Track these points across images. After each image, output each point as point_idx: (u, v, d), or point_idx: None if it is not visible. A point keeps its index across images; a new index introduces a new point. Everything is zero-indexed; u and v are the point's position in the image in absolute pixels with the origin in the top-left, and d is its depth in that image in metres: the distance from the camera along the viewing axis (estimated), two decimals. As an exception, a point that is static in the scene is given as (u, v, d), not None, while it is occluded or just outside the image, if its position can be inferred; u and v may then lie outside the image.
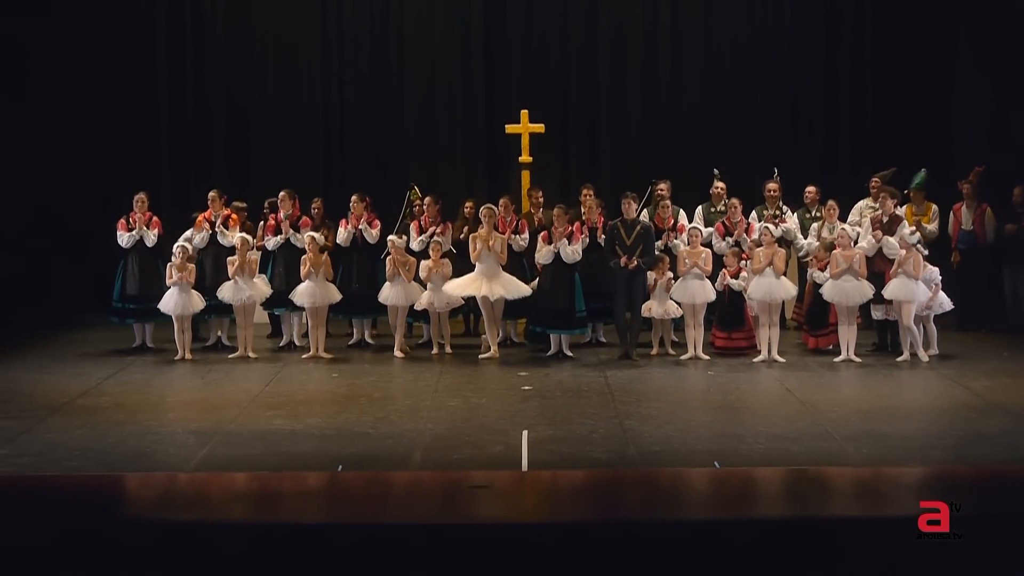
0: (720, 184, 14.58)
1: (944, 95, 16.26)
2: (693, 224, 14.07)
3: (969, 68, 15.97)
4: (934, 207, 14.59)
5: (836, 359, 13.19)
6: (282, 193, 14.38)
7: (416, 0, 17.15)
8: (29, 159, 15.23)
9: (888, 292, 13.12)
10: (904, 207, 14.26)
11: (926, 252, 13.35)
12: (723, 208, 14.32)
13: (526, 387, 12.20)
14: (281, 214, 14.28)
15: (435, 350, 13.85)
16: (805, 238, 14.28)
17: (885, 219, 13.67)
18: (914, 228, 13.63)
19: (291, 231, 14.13)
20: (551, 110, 16.19)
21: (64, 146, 15.84)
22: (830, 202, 14.16)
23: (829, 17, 16.90)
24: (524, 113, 15.18)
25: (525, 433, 10.19)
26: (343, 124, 17.22)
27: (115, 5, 16.57)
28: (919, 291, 13.03)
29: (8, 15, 15.05)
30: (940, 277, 13.42)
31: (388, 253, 13.78)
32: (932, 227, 14.37)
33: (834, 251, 13.25)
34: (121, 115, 16.61)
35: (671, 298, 13.48)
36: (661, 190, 14.43)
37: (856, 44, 16.75)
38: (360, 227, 14.14)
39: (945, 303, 13.40)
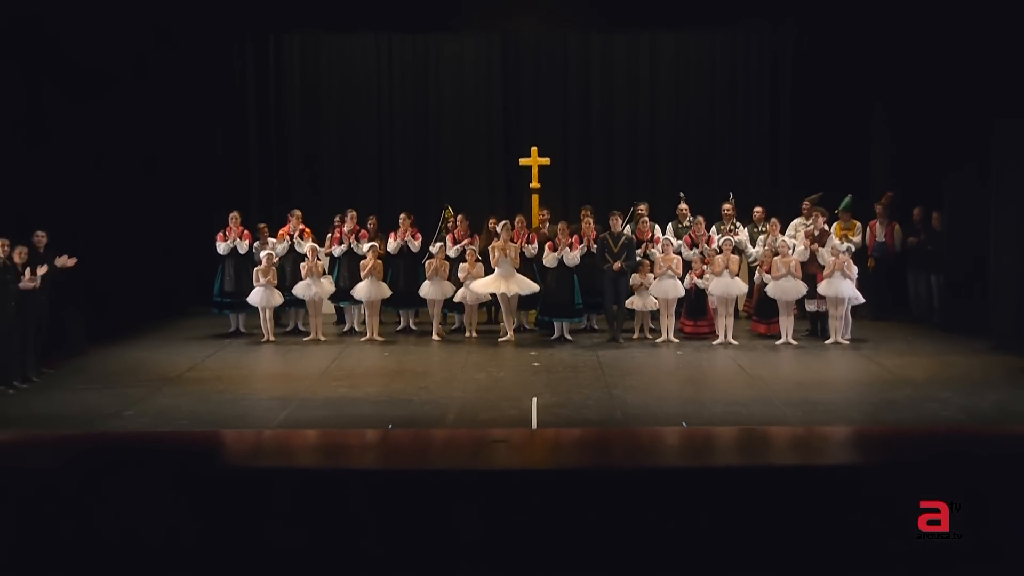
0: (684, 205, 14.56)
1: (863, 140, 16.20)
2: (666, 236, 14.05)
3: (881, 120, 15.95)
4: (858, 224, 14.58)
5: (778, 342, 13.16)
6: (351, 212, 14.42)
7: (450, 62, 17.13)
8: (152, 188, 15.28)
9: (822, 289, 13.15)
10: (835, 224, 14.27)
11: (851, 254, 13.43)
12: (688, 224, 14.30)
13: (536, 364, 12.19)
14: (345, 228, 14.31)
15: (468, 333, 13.83)
16: (754, 247, 14.26)
17: (816, 232, 13.71)
18: (843, 240, 13.68)
19: (353, 241, 14.19)
20: (555, 148, 16.13)
21: (179, 177, 15.89)
22: (772, 220, 14.15)
23: (773, 81, 16.82)
24: (534, 150, 15.17)
25: (535, 399, 10.22)
26: (392, 158, 17.19)
27: (217, 77, 16.65)
28: (846, 288, 13.05)
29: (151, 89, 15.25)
30: (857, 276, 13.41)
31: (430, 256, 13.79)
32: (856, 239, 14.35)
33: (776, 257, 13.26)
34: (222, 154, 16.72)
35: (649, 294, 13.49)
36: (641, 210, 14.37)
37: (795, 102, 16.65)
38: (406, 239, 14.18)
39: (858, 297, 13.36)
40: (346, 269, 14.20)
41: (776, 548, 6.93)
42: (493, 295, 13.80)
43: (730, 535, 6.97)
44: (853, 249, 13.60)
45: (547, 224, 14.36)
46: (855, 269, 13.27)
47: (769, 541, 6.94)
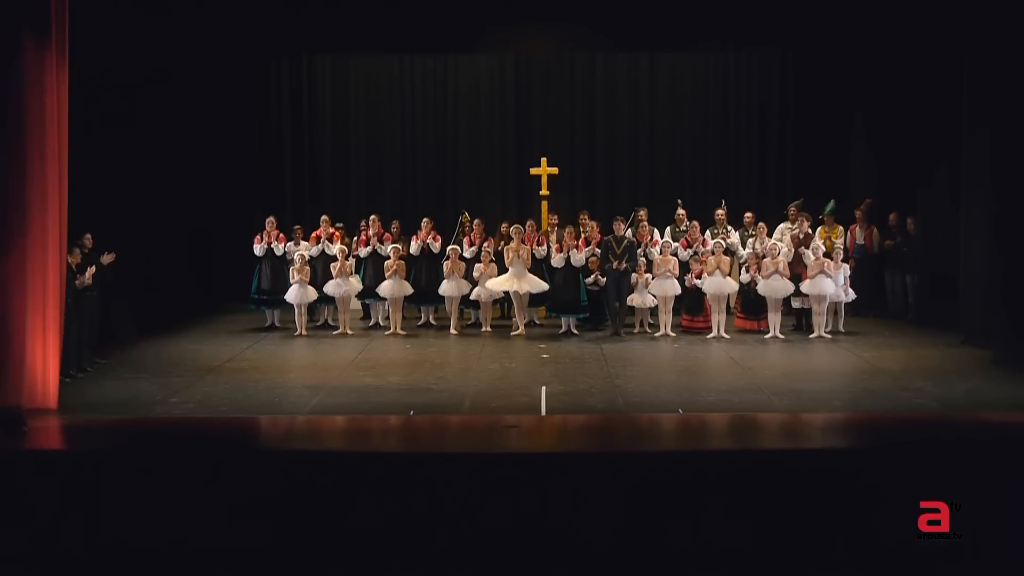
0: (681, 211, 14.53)
1: (844, 151, 16.12)
2: (664, 239, 14.03)
3: (861, 132, 15.87)
4: (840, 228, 14.52)
5: (766, 336, 13.13)
6: (373, 216, 14.48)
7: (467, 81, 17.12)
8: (197, 195, 15.29)
9: (806, 288, 13.14)
10: (819, 228, 14.22)
11: (841, 255, 13.45)
12: (684, 228, 14.27)
13: (544, 355, 12.17)
14: (371, 231, 14.33)
15: (483, 328, 13.81)
16: (744, 250, 14.23)
17: (801, 236, 13.70)
18: (826, 242, 13.68)
19: (378, 244, 14.20)
20: (563, 158, 16.06)
21: (218, 185, 15.89)
22: (760, 224, 14.13)
23: (761, 98, 16.77)
24: (544, 160, 15.13)
25: (544, 388, 10.19)
26: (414, 167, 17.19)
27: (256, 92, 16.74)
28: (829, 287, 13.03)
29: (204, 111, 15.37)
30: (850, 273, 13.44)
31: (448, 258, 13.80)
32: (840, 242, 14.29)
33: (764, 259, 13.25)
34: (259, 163, 16.76)
35: (648, 292, 13.47)
36: (641, 215, 14.38)
37: (782, 116, 16.61)
38: (427, 241, 14.19)
39: (850, 294, 13.41)
40: (371, 269, 14.19)
41: (764, 526, 6.91)
42: (506, 293, 13.79)
43: (722, 514, 6.95)
44: (842, 251, 13.62)
45: (556, 228, 14.35)
46: (842, 267, 13.29)
47: (758, 518, 6.92)
